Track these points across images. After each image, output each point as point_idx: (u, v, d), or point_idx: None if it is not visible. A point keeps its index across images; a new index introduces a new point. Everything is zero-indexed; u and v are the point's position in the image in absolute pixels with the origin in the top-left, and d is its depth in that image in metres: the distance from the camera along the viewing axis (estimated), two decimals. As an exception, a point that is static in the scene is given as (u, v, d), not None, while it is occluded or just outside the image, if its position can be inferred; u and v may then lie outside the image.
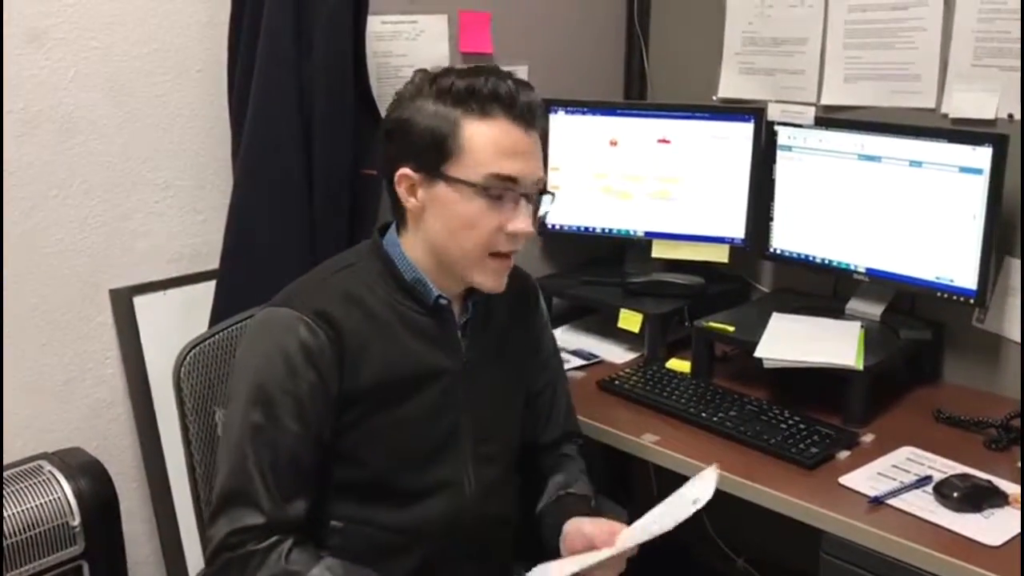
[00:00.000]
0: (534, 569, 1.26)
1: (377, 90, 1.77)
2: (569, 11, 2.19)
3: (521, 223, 1.24)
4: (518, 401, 1.43)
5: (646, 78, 2.25)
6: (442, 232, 1.24)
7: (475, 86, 1.21)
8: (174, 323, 1.84)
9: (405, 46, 1.87)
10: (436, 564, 1.29)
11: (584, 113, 2.04)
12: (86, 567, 1.61)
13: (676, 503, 1.20)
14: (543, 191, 1.28)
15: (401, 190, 1.25)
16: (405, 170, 1.24)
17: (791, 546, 1.39)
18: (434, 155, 1.22)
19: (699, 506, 1.17)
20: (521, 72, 2.09)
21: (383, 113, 1.75)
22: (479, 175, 1.21)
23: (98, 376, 1.76)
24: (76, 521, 1.58)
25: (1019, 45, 1.66)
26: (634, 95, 2.25)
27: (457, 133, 1.20)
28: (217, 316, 1.71)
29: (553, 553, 1.34)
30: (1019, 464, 1.47)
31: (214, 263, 1.86)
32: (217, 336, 1.46)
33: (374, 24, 1.73)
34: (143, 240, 1.78)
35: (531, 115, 1.23)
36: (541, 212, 1.29)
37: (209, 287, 1.86)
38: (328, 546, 1.26)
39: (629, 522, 1.25)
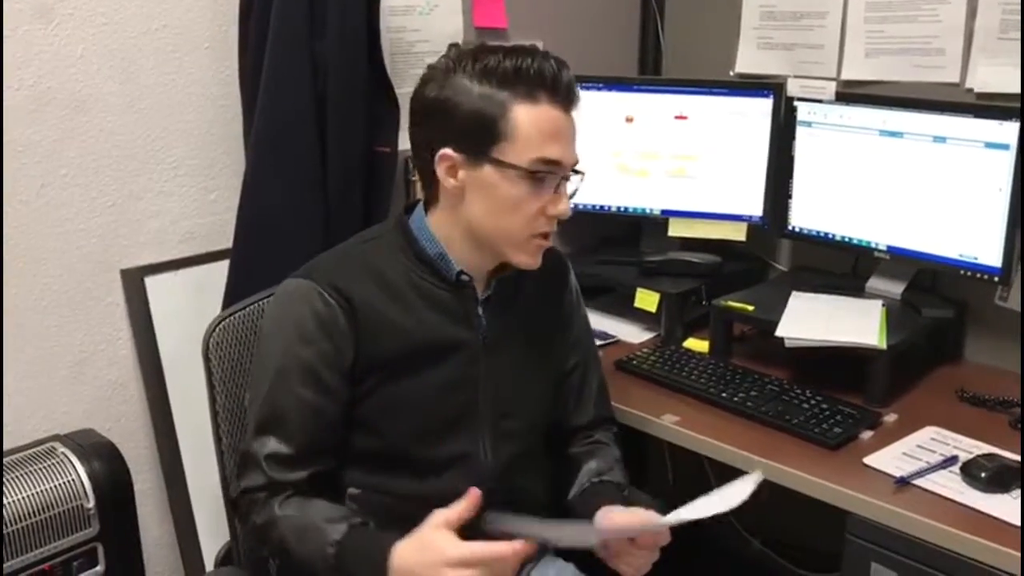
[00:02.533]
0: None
1: (391, 66, 1.74)
2: (583, -15, 2.16)
3: (563, 205, 1.26)
4: (545, 379, 1.42)
5: (662, 53, 2.22)
6: (484, 213, 1.25)
7: (522, 67, 1.20)
8: (186, 303, 1.82)
9: (419, 21, 1.84)
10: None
11: (600, 89, 2.00)
12: (100, 549, 1.61)
13: (714, 501, 1.19)
14: (577, 172, 1.28)
15: (441, 170, 1.25)
16: (447, 151, 1.23)
17: (808, 527, 1.38)
18: (481, 138, 1.21)
19: (733, 506, 1.16)
20: (535, 48, 2.06)
21: (397, 89, 1.75)
22: (526, 159, 1.21)
23: (110, 357, 1.74)
24: (91, 503, 1.57)
25: (1047, 17, 1.63)
26: (649, 70, 2.22)
27: (505, 116, 1.20)
28: (231, 295, 1.70)
29: None
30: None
31: (226, 243, 1.84)
32: (246, 310, 1.47)
33: (387, 0, 1.70)
34: (154, 220, 1.76)
35: (572, 96, 1.24)
36: (571, 190, 1.29)
37: (221, 267, 1.85)
38: None
39: (663, 513, 1.23)
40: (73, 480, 1.55)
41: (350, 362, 1.26)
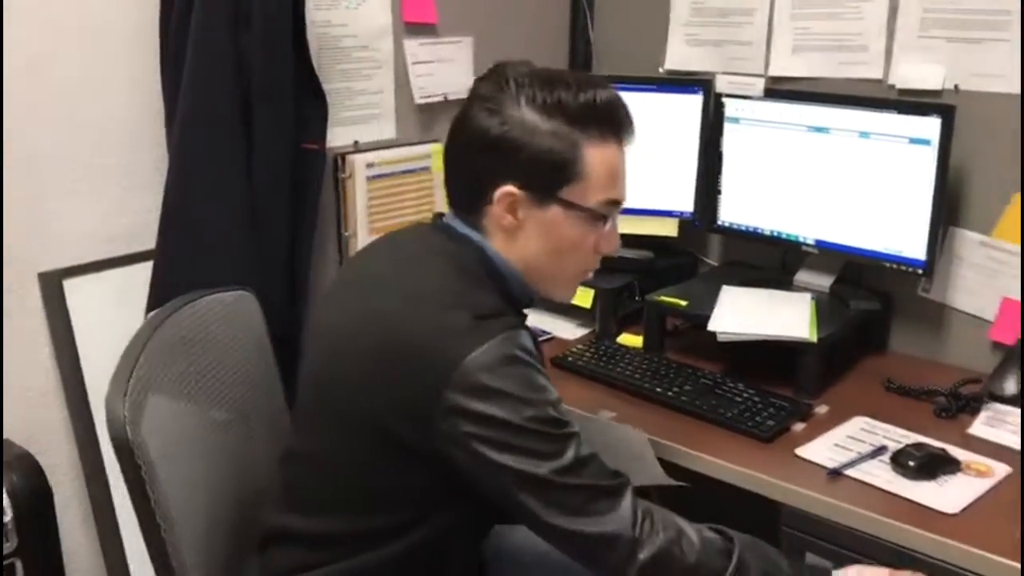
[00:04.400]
0: None
1: (317, 61, 1.70)
2: (511, -21, 2.14)
3: (615, 242, 1.26)
4: None
5: (592, 49, 2.22)
6: (542, 251, 1.21)
7: (595, 104, 1.16)
8: (108, 307, 1.76)
9: (346, 15, 1.80)
10: None
11: (531, 85, 1.99)
12: (19, 565, 1.56)
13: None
14: None
15: (500, 207, 1.18)
16: (510, 188, 1.16)
17: (745, 520, 1.39)
18: (552, 178, 1.16)
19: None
20: (465, 44, 2.04)
21: (324, 84, 1.71)
22: (595, 201, 1.19)
23: (28, 363, 1.67)
24: (8, 517, 1.51)
25: (963, 15, 1.67)
26: (579, 67, 2.22)
27: (579, 158, 1.16)
28: (155, 298, 1.64)
29: None
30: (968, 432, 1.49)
31: (149, 244, 1.78)
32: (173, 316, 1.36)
33: (314, -7, 1.67)
34: (73, 221, 1.69)
35: (632, 134, 1.22)
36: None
37: (144, 268, 1.79)
38: None
39: None
40: (-12, 495, 1.49)
41: None
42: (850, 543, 1.31)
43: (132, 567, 1.86)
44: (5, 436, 1.65)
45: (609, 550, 1.10)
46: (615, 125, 1.19)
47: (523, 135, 1.15)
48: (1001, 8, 1.63)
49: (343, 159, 1.83)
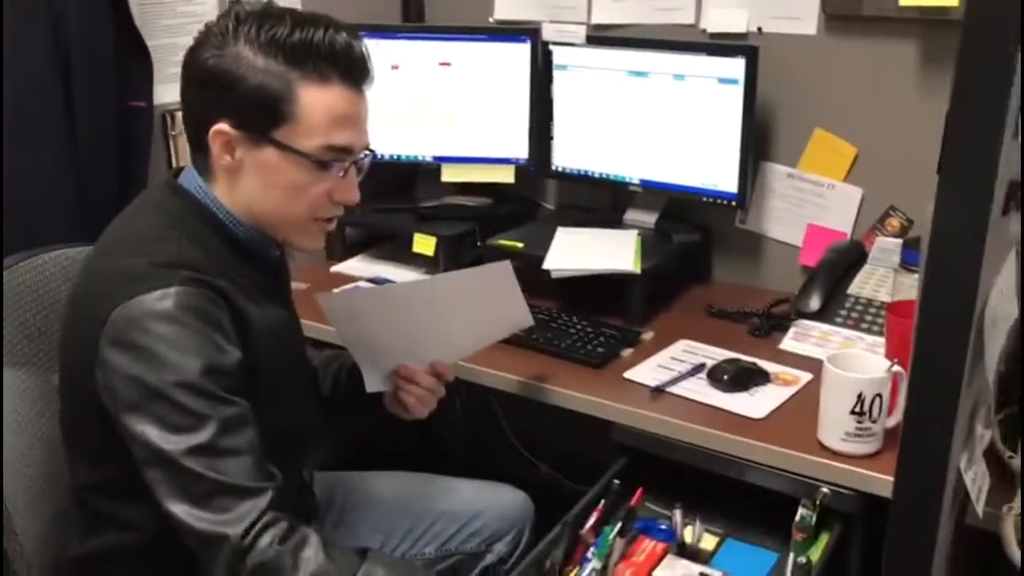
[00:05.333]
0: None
1: (139, 17, 1.67)
2: (340, -68, 2.13)
3: (350, 194, 1.22)
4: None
5: (423, 1, 2.24)
6: (261, 194, 1.18)
7: (312, 42, 1.12)
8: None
9: (166, -31, 1.77)
10: None
11: (363, 36, 1.99)
12: None
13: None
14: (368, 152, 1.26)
15: (215, 146, 1.15)
16: (223, 126, 1.13)
17: (587, 445, 1.49)
18: (263, 118, 1.13)
19: None
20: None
21: (148, 40, 1.68)
22: (312, 145, 1.15)
23: None
24: None
25: (764, -38, 1.79)
26: (412, 18, 2.24)
27: (291, 98, 1.12)
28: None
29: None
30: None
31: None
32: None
33: (130, -56, 1.63)
34: None
35: (365, 75, 1.18)
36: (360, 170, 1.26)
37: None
38: None
39: None
40: None
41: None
42: (672, 452, 1.42)
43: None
44: None
45: (217, 549, 1.05)
46: (339, 66, 1.14)
47: (236, 71, 1.12)
48: (796, -46, 1.76)
49: (172, 116, 1.80)
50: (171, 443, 1.04)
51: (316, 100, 1.14)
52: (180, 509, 1.05)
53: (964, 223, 0.96)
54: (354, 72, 1.16)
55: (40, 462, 1.32)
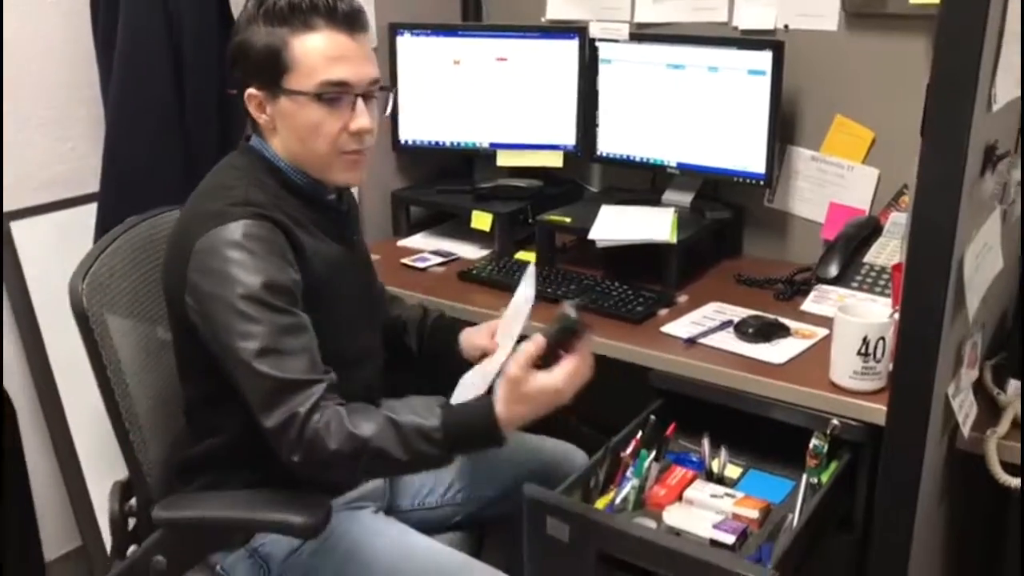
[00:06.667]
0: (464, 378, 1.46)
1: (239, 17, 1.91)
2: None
3: (361, 121, 1.37)
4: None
5: (481, 2, 2.47)
6: (292, 141, 1.38)
7: (295, 2, 1.33)
8: (53, 244, 1.95)
9: (261, -25, 2.01)
10: None
11: (428, 35, 2.24)
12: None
13: (520, 302, 1.48)
14: (383, 88, 1.44)
15: (252, 108, 1.39)
16: (251, 90, 1.38)
17: (628, 408, 1.68)
18: (271, 72, 1.35)
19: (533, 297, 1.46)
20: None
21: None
22: (312, 84, 1.34)
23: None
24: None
25: (790, -34, 1.99)
26: (471, 17, 2.46)
27: (287, 48, 1.33)
28: (101, 232, 1.84)
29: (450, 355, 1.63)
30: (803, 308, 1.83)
31: (86, 188, 1.97)
32: (115, 244, 1.54)
33: (233, -46, 1.88)
34: (14, 168, 1.87)
35: (352, 20, 1.36)
36: (385, 107, 1.46)
37: (83, 210, 1.98)
38: None
39: None
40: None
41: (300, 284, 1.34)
42: (703, 393, 1.62)
43: (87, 475, 2.06)
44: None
45: (283, 436, 1.24)
46: (321, 13, 1.33)
47: (248, 42, 1.35)
48: (820, -41, 1.96)
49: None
50: (243, 348, 1.25)
51: (306, 45, 1.34)
52: (257, 407, 1.25)
53: (943, 179, 1.16)
54: (337, 16, 1.34)
55: (158, 392, 1.56)
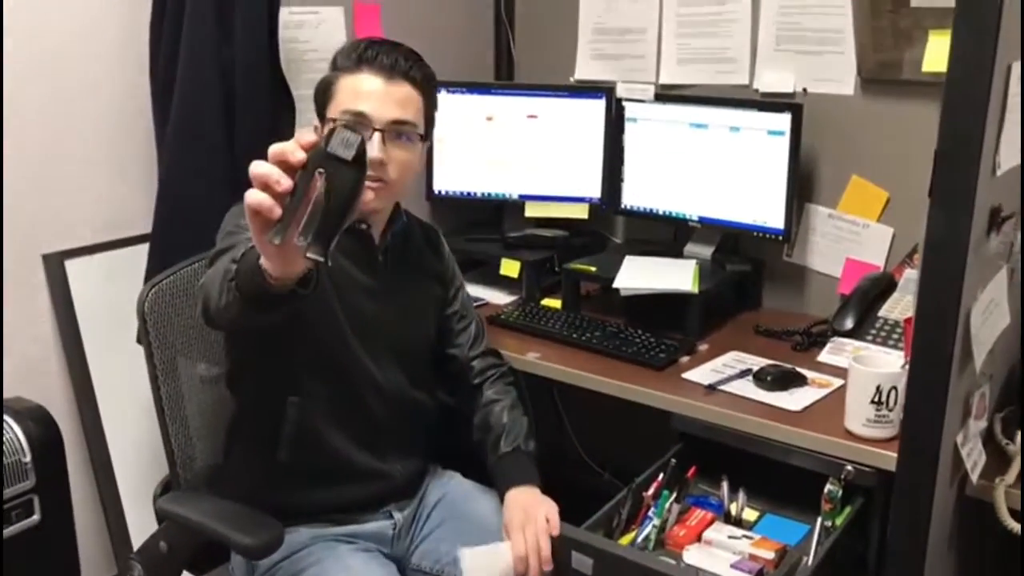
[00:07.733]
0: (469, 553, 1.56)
1: (287, 71, 2.03)
2: (445, 2, 2.50)
3: (369, 151, 1.47)
4: (429, 313, 1.75)
5: (514, 62, 2.59)
6: None
7: (349, 54, 1.54)
8: (104, 284, 2.04)
9: (309, 33, 2.14)
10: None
11: (463, 92, 2.35)
12: (36, 500, 1.81)
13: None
14: (423, 138, 1.57)
15: None
16: (316, 122, 1.58)
17: (647, 454, 1.75)
18: (321, 104, 1.57)
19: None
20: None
21: (292, 91, 2.04)
22: (337, 112, 1.52)
23: (31, 335, 1.94)
24: (27, 458, 1.77)
25: (808, 33, 2.09)
26: (504, 77, 2.59)
27: (334, 84, 1.54)
28: (153, 270, 1.93)
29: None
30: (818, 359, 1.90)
31: (138, 229, 2.07)
32: (173, 277, 1.69)
33: (283, 15, 1.99)
34: (72, 209, 1.97)
35: (392, 68, 1.52)
36: (420, 157, 1.59)
37: (134, 251, 2.08)
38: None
39: None
40: (11, 438, 1.74)
41: None
42: (722, 437, 1.69)
43: (127, 509, 2.13)
44: (19, 393, 1.92)
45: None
46: (369, 61, 1.52)
47: (320, 82, 1.58)
48: (836, 28, 2.06)
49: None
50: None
51: (347, 82, 1.53)
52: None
53: (949, 238, 1.23)
54: (382, 65, 1.52)
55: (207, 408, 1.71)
